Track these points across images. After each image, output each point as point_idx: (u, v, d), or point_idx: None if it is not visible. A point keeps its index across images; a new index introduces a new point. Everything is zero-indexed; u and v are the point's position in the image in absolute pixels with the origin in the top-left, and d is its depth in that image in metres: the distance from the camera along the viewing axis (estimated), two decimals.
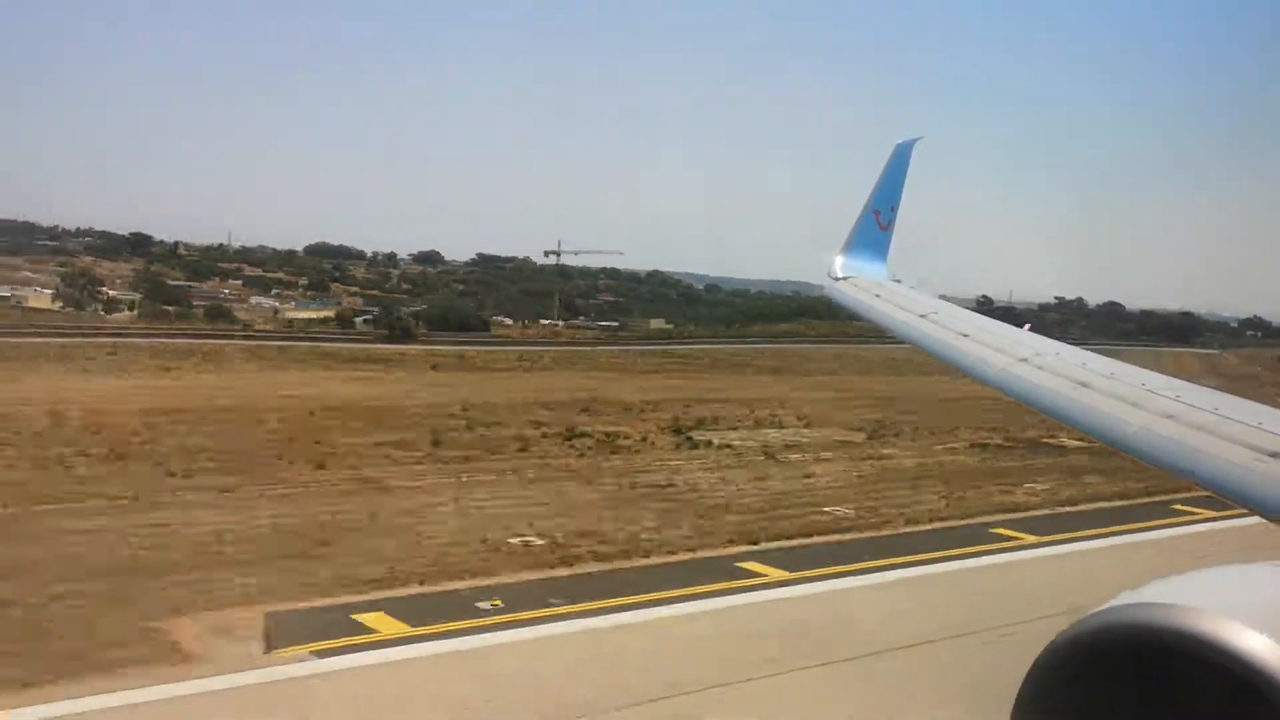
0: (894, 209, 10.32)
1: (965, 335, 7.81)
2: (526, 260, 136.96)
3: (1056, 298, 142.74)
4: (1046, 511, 27.38)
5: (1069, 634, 3.02)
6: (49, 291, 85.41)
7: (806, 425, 45.23)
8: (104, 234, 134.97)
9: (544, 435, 39.19)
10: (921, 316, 8.51)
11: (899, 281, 9.80)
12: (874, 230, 10.22)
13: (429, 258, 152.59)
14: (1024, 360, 7.03)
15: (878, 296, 9.31)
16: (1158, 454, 5.38)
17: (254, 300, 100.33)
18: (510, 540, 22.46)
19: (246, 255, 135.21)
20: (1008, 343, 7.47)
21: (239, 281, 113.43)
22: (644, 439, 39.80)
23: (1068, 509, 27.66)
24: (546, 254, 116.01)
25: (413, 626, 16.27)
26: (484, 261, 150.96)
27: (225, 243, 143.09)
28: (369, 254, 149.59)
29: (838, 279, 9.90)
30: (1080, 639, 2.99)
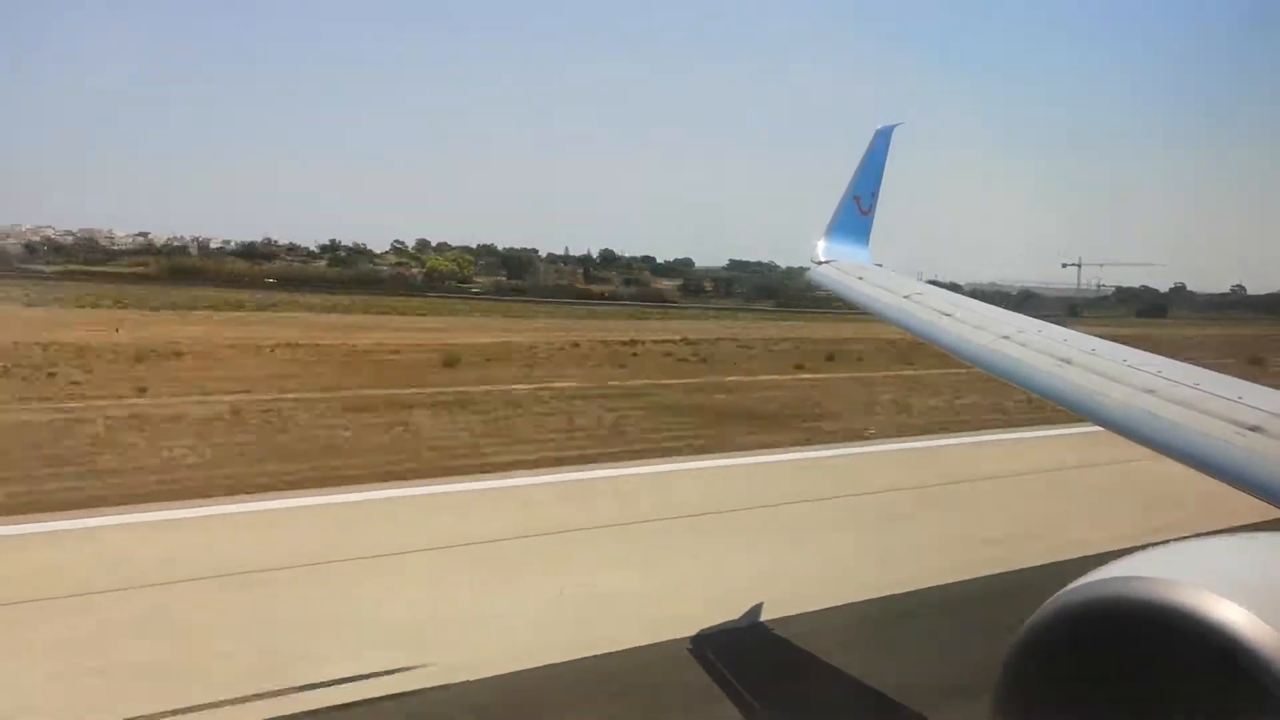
0: (874, 194, 10.31)
1: (948, 315, 7.83)
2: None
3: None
4: None
5: (1049, 610, 3.03)
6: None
7: None
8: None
9: None
10: (905, 298, 8.51)
11: (880, 265, 9.80)
12: (855, 215, 10.21)
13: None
14: (1006, 338, 7.04)
15: (860, 279, 9.31)
16: (1138, 429, 5.40)
17: None
18: None
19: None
20: (990, 321, 7.49)
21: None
22: None
23: None
24: (1064, 265, 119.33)
25: None
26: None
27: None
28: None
29: (820, 262, 9.89)
30: (1061, 614, 2.99)
